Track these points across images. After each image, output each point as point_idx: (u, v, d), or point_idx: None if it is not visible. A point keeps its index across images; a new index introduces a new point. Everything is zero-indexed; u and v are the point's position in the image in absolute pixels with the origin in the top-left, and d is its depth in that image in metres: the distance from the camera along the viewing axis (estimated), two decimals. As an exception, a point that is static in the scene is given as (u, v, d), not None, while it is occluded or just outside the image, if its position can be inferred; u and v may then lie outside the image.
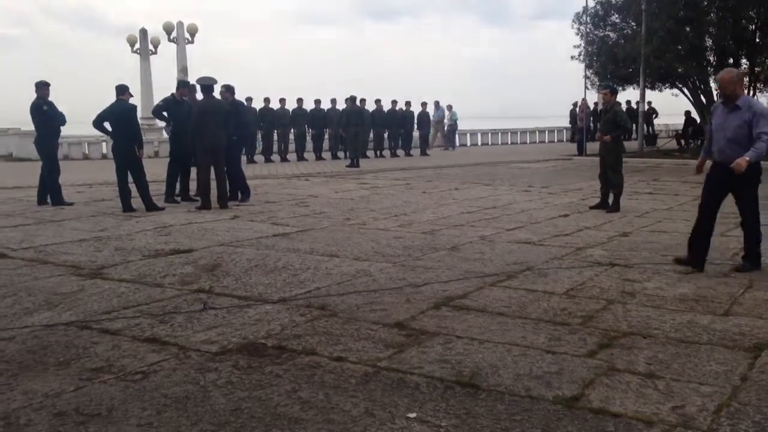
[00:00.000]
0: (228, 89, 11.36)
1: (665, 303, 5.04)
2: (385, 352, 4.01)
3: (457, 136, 29.09)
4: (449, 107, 28.12)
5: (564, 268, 6.23)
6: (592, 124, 22.94)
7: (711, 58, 22.45)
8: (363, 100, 21.98)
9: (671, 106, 28.90)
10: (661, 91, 24.76)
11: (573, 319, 4.65)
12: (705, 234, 6.15)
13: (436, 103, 27.21)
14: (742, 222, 6.17)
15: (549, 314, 4.77)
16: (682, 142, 25.40)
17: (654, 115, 27.68)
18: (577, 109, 25.23)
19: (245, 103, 14.57)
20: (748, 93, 22.14)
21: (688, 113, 25.42)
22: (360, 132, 20.02)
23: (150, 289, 5.51)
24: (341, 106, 21.56)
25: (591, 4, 23.18)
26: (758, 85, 22.47)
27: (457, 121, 28.64)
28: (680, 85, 23.65)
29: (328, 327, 4.50)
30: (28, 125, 11.43)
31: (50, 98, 10.83)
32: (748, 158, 5.63)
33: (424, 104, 24.83)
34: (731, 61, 22.15)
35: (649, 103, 26.27)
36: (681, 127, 26.80)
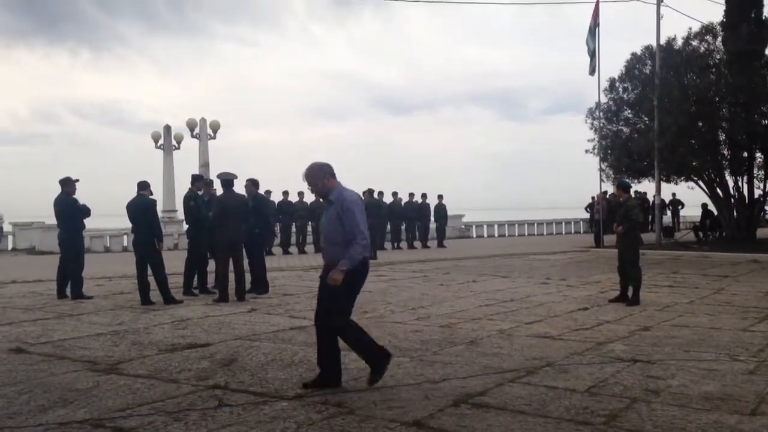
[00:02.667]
0: (253, 183, 11.60)
1: (690, 402, 4.91)
2: (403, 452, 3.92)
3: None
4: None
5: (585, 364, 6.11)
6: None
7: (725, 152, 22.66)
8: (381, 193, 22.34)
9: (687, 199, 29.02)
10: (676, 183, 24.93)
11: (596, 418, 4.53)
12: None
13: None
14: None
15: (571, 413, 4.65)
16: (700, 234, 25.31)
17: (680, 206, 27.71)
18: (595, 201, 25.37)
19: (266, 197, 14.82)
20: (763, 187, 22.29)
21: (705, 206, 25.45)
22: (377, 224, 20.23)
23: (165, 384, 5.47)
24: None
25: (603, 99, 23.67)
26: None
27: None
28: (695, 178, 23.78)
29: (345, 425, 4.41)
30: (52, 218, 11.66)
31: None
32: (343, 269, 5.01)
33: (440, 197, 25.08)
34: (745, 154, 22.38)
35: (674, 194, 26.39)
36: (698, 219, 26.77)
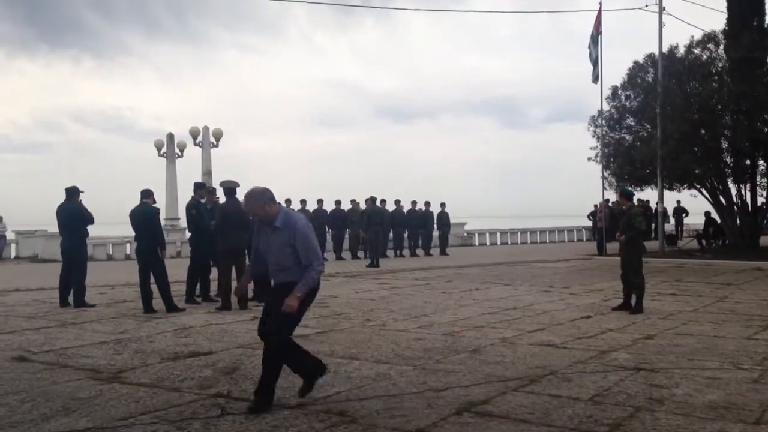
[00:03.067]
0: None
1: (694, 410, 4.89)
2: (406, 461, 3.90)
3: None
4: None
5: (588, 372, 6.09)
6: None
7: (728, 160, 22.64)
8: (383, 201, 22.42)
9: (690, 207, 28.98)
10: (679, 191, 24.89)
11: (600, 427, 4.51)
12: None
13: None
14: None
15: (574, 422, 4.63)
16: (703, 242, 25.27)
17: (684, 214, 27.66)
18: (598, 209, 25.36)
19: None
20: (766, 195, 22.25)
21: (708, 213, 25.43)
22: (380, 232, 20.26)
23: (168, 393, 5.46)
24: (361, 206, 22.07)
25: (606, 107, 23.68)
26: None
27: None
28: (698, 186, 23.77)
29: (348, 434, 4.40)
30: (54, 226, 11.67)
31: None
32: (299, 295, 4.88)
33: (443, 204, 25.09)
34: (748, 162, 22.35)
35: (678, 202, 26.35)
36: (701, 227, 26.74)
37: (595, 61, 22.62)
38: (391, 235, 23.11)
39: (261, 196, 4.94)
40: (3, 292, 12.87)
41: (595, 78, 22.76)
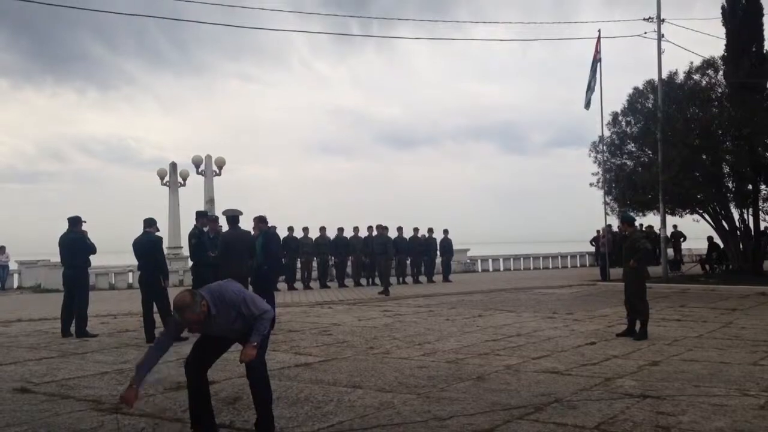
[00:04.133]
0: (261, 220, 11.66)
1: (702, 437, 4.84)
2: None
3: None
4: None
5: (593, 399, 6.05)
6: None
7: (729, 185, 22.67)
8: (385, 228, 22.50)
9: (693, 231, 28.88)
10: (681, 216, 24.86)
11: (606, 455, 4.47)
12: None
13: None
14: None
15: (580, 450, 4.59)
16: (707, 267, 25.20)
17: (682, 239, 27.61)
18: (600, 235, 25.31)
19: (276, 232, 14.90)
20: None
21: (711, 239, 25.39)
22: (384, 261, 20.32)
23: (170, 424, 5.42)
24: (363, 233, 22.15)
25: (607, 133, 23.78)
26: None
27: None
28: (700, 211, 23.76)
29: (352, 464, 4.35)
30: (57, 256, 11.68)
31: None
32: (255, 344, 4.94)
33: (446, 231, 25.09)
34: (750, 187, 22.36)
35: (675, 226, 26.31)
36: (704, 252, 26.68)
37: (588, 87, 22.80)
38: (393, 262, 23.10)
39: (191, 310, 4.67)
40: (5, 322, 12.84)
41: (588, 104, 22.96)
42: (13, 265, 24.80)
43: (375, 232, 21.46)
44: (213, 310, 4.83)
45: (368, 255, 21.66)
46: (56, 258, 12.53)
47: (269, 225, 12.79)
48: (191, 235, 11.49)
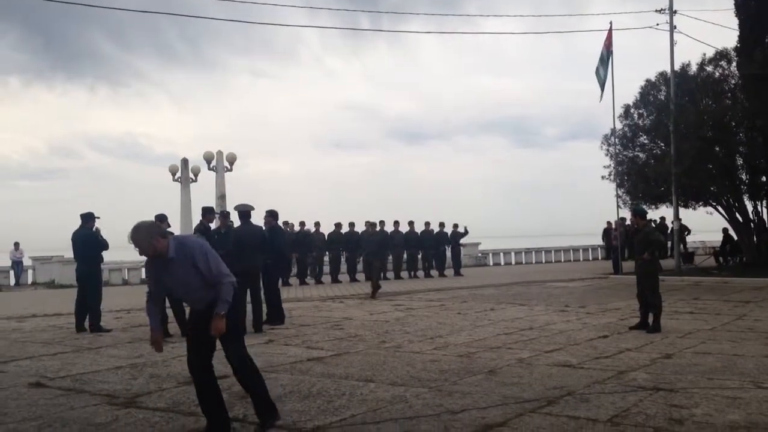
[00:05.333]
0: (272, 214, 11.70)
1: (715, 431, 4.81)
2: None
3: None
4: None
5: (606, 393, 6.03)
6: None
7: (743, 177, 22.50)
8: (396, 222, 22.57)
9: (708, 223, 28.66)
10: (695, 209, 24.71)
11: (619, 448, 4.46)
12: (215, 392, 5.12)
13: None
14: None
15: (593, 443, 4.58)
16: (721, 259, 25.04)
17: (686, 233, 27.43)
18: (612, 228, 25.17)
19: (282, 228, 14.89)
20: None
21: (725, 230, 25.20)
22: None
23: (184, 418, 5.45)
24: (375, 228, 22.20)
25: (618, 126, 23.63)
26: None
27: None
28: (714, 203, 23.60)
29: (364, 458, 4.36)
30: (71, 252, 11.76)
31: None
32: (223, 313, 4.80)
33: (455, 225, 25.04)
34: (764, 179, 22.19)
35: (680, 220, 26.14)
36: (718, 244, 26.50)
37: (602, 81, 22.62)
38: (405, 256, 23.11)
39: (146, 232, 4.65)
40: (20, 318, 12.96)
41: (601, 97, 22.78)
42: (27, 261, 25.02)
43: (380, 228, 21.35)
44: (171, 253, 4.72)
45: (362, 254, 21.54)
46: (70, 254, 12.61)
47: (282, 221, 12.80)
48: (198, 230, 11.55)
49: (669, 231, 24.20)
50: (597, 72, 22.78)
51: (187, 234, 4.69)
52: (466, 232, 24.78)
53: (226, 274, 4.82)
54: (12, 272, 24.13)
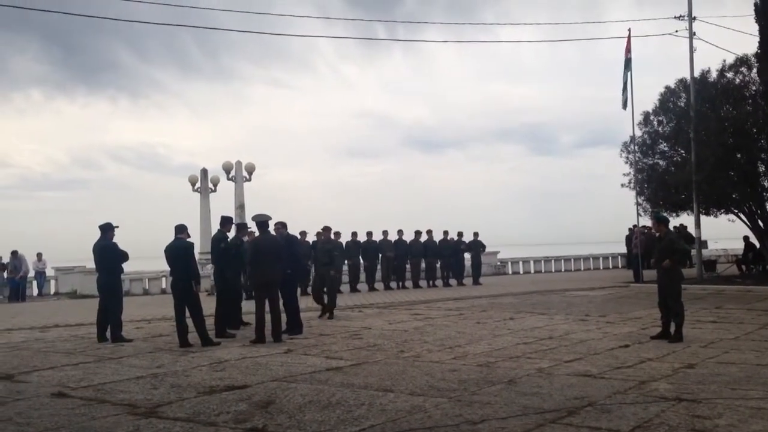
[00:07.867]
0: (282, 225, 11.77)
1: (739, 442, 4.75)
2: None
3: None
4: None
5: (628, 403, 5.97)
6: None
7: (765, 183, 22.25)
8: (417, 232, 22.68)
9: (729, 231, 28.33)
10: (716, 216, 24.45)
11: (641, 459, 4.41)
12: None
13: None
14: None
15: (615, 454, 4.54)
16: (743, 267, 24.74)
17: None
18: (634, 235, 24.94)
19: (299, 237, 14.91)
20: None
21: (747, 238, 24.92)
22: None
23: (204, 428, 5.48)
24: (393, 237, 22.22)
25: (638, 133, 23.49)
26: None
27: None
28: (735, 211, 23.35)
29: (384, 468, 4.36)
30: (92, 262, 11.89)
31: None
32: None
33: (476, 234, 24.98)
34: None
35: (685, 227, 25.85)
36: (740, 252, 26.20)
37: (624, 87, 22.51)
38: (423, 265, 23.09)
39: None
40: (43, 328, 13.10)
41: (625, 103, 22.62)
42: (49, 272, 25.30)
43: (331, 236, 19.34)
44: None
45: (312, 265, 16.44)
46: (91, 264, 12.76)
47: (298, 230, 12.90)
48: (217, 240, 11.67)
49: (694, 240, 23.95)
50: (624, 80, 22.65)
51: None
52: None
53: None
54: (35, 282, 24.44)
